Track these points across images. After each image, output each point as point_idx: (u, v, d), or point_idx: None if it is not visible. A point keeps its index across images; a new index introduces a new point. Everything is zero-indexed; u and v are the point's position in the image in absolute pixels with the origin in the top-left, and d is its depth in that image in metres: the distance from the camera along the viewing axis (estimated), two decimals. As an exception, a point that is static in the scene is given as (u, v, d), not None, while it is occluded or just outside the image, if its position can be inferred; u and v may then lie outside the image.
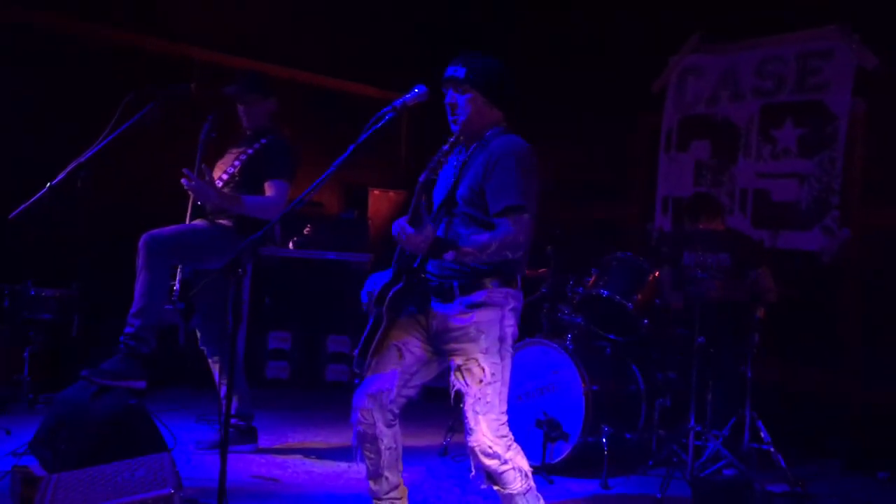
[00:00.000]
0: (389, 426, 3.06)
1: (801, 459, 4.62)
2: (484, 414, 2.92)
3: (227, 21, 6.41)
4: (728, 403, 4.42)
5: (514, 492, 2.98)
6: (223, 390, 4.19)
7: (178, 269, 4.16)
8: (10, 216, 3.93)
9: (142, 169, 5.65)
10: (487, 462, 2.94)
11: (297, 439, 4.89)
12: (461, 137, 3.06)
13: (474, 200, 2.96)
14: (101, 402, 3.56)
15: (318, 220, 6.58)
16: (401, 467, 3.17)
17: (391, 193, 7.12)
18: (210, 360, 4.53)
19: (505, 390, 2.98)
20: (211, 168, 4.27)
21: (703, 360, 4.30)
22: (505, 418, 2.98)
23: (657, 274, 4.64)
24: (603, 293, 4.58)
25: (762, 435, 4.34)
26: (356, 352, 3.08)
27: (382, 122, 2.96)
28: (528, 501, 3.01)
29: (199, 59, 6.26)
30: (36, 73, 5.53)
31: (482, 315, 2.94)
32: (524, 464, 2.99)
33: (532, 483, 3.01)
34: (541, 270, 4.94)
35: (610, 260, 4.70)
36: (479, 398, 2.92)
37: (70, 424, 3.52)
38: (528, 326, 4.88)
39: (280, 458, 4.46)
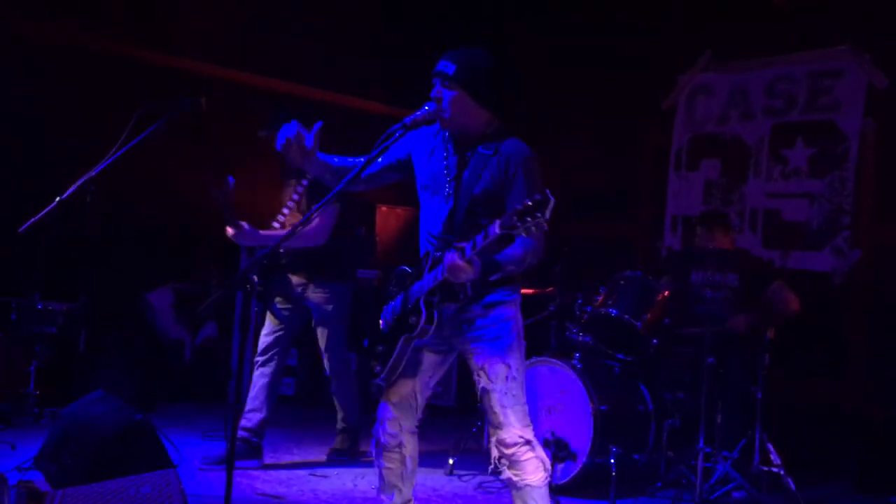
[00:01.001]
0: (413, 433, 3.16)
1: (811, 481, 4.56)
2: (512, 406, 3.00)
3: (234, 36, 6.44)
4: (738, 425, 4.38)
5: (534, 484, 3.02)
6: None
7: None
8: (19, 230, 3.94)
9: (151, 183, 5.66)
10: (515, 450, 3.00)
11: (302, 456, 4.87)
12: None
13: (489, 208, 2.95)
14: (106, 418, 3.54)
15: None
16: (414, 482, 3.21)
17: (399, 210, 7.12)
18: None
19: (524, 380, 3.08)
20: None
21: (712, 380, 4.27)
22: (527, 408, 3.08)
23: (666, 293, 4.61)
24: (612, 312, 4.55)
25: (772, 457, 4.29)
26: (381, 377, 3.11)
27: (392, 139, 2.97)
28: (542, 498, 3.06)
29: (208, 75, 6.29)
30: (45, 87, 5.55)
31: (499, 313, 3.02)
32: (545, 456, 3.08)
33: (548, 479, 3.07)
34: (549, 289, 4.92)
35: (618, 279, 4.68)
36: (506, 393, 3.00)
37: (76, 439, 3.50)
38: (536, 345, 4.87)
39: (285, 474, 4.43)
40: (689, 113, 6.21)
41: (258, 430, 4.51)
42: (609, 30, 6.53)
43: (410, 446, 3.15)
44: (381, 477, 3.17)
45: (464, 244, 2.80)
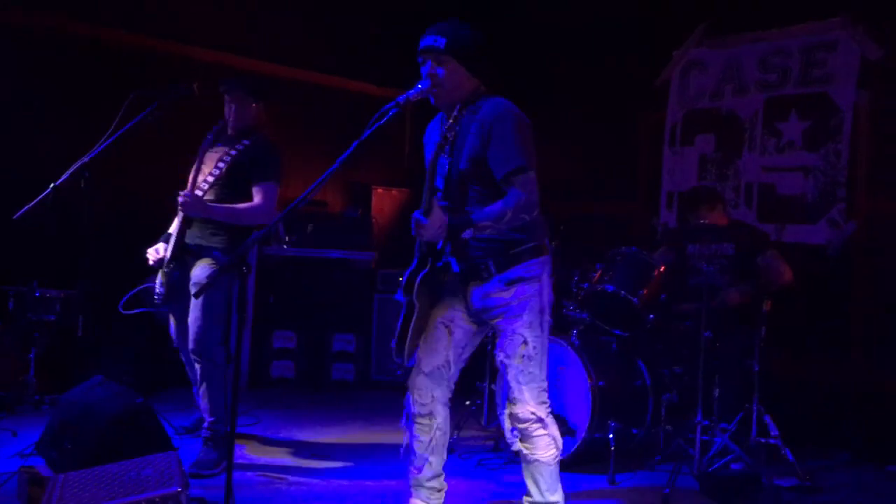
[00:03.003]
0: (445, 405, 3.19)
1: (809, 452, 4.59)
2: (527, 384, 3.04)
3: (227, 20, 6.41)
4: (735, 397, 4.40)
5: (544, 459, 3.08)
6: (200, 390, 4.15)
7: (161, 273, 4.14)
8: (14, 217, 3.94)
9: (145, 168, 5.65)
10: (527, 426, 3.04)
11: (303, 437, 4.89)
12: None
13: (478, 172, 2.98)
14: (106, 402, 3.56)
15: (322, 218, 6.58)
16: (445, 456, 3.25)
17: (395, 191, 7.11)
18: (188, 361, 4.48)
19: (545, 359, 3.10)
20: (198, 162, 4.22)
21: (709, 354, 4.29)
22: (545, 385, 3.10)
23: (662, 269, 4.63)
24: (608, 288, 4.56)
25: (770, 429, 4.32)
26: (393, 343, 3.13)
27: (385, 118, 2.96)
28: (552, 476, 3.12)
29: (201, 59, 6.25)
30: (37, 74, 5.52)
31: (522, 290, 3.03)
32: (558, 435, 3.11)
33: (559, 457, 3.12)
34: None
35: (615, 255, 4.68)
36: (523, 370, 3.03)
37: (76, 424, 3.52)
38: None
39: (286, 456, 4.46)
40: (683, 88, 6.19)
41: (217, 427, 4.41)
42: (601, 5, 6.50)
43: (441, 417, 3.18)
44: (411, 449, 3.21)
45: (429, 196, 2.85)
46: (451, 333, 3.13)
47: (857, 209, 5.24)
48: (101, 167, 4.00)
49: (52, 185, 3.97)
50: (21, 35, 5.54)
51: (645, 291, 4.53)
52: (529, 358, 3.03)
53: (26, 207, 3.96)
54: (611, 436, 4.28)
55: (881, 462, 4.65)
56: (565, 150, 6.26)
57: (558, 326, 4.83)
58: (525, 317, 3.03)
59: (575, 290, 4.78)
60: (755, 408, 4.33)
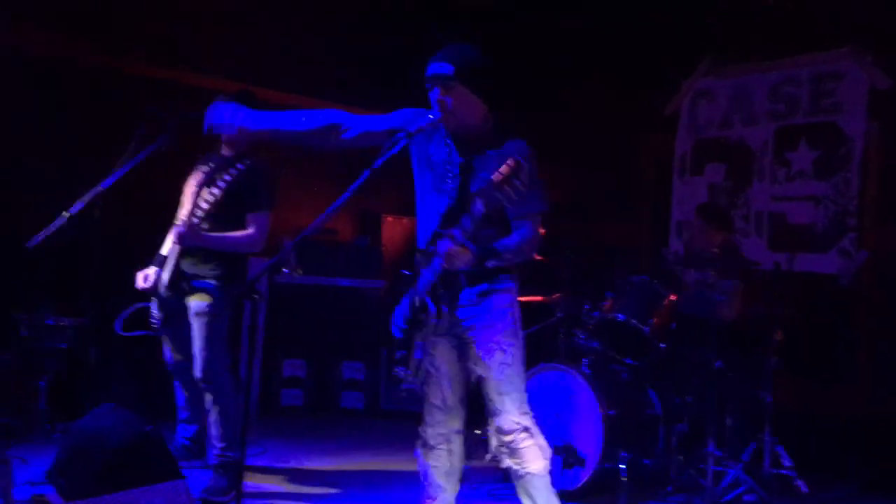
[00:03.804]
0: (459, 433, 3.21)
1: (818, 483, 4.54)
2: (508, 394, 3.03)
3: (248, 50, 6.47)
4: (747, 428, 4.37)
5: (535, 471, 3.06)
6: (210, 418, 4.15)
7: (157, 298, 4.15)
8: (28, 245, 3.97)
9: (157, 197, 5.69)
10: (513, 437, 3.03)
11: (312, 465, 4.87)
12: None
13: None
14: (116, 430, 3.56)
15: (332, 246, 6.60)
16: (458, 486, 3.26)
17: (405, 220, 7.13)
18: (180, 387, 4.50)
19: (523, 369, 3.11)
20: (190, 195, 4.19)
21: (720, 384, 4.26)
22: (525, 395, 3.10)
23: (673, 297, 4.62)
24: (619, 317, 4.55)
25: (783, 460, 4.28)
26: (411, 382, 3.14)
27: (396, 147, 2.98)
28: (546, 488, 3.09)
29: (212, 88, 6.31)
30: (52, 102, 5.58)
31: (495, 301, 3.06)
32: (545, 443, 3.10)
33: (549, 467, 3.10)
34: (555, 295, 4.93)
35: (625, 284, 4.68)
36: (502, 379, 3.03)
37: (86, 452, 3.51)
38: (544, 351, 4.87)
39: (295, 485, 4.44)
40: (692, 118, 6.22)
41: (198, 439, 4.53)
42: (610, 33, 6.54)
43: (457, 444, 3.20)
44: (426, 477, 3.21)
45: (452, 230, 2.83)
46: (437, 368, 3.14)
47: (868, 238, 5.23)
48: (112, 193, 4.03)
49: (66, 213, 4.00)
50: (36, 62, 5.61)
51: (655, 320, 4.52)
52: (507, 366, 3.03)
53: (41, 235, 4.00)
54: (622, 466, 4.24)
55: (890, 493, 4.59)
56: (570, 176, 6.29)
57: (569, 355, 4.82)
58: (499, 325, 3.04)
59: (585, 318, 4.77)
60: (767, 438, 4.29)
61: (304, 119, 3.16)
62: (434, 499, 3.21)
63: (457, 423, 3.19)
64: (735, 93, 5.94)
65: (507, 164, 2.65)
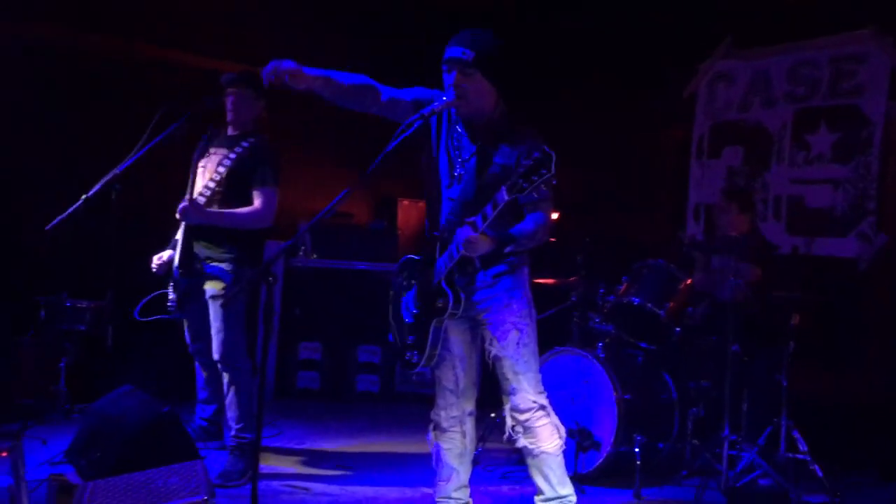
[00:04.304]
0: (471, 415, 3.24)
1: (836, 470, 4.52)
2: (524, 373, 3.06)
3: (262, 35, 6.47)
4: (763, 412, 4.35)
5: (550, 450, 3.09)
6: (228, 399, 4.18)
7: (171, 281, 4.18)
8: (46, 228, 4.01)
9: (173, 181, 5.72)
10: (529, 416, 3.06)
11: (327, 447, 4.90)
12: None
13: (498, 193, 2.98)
14: (134, 411, 3.60)
15: (348, 230, 6.61)
16: (471, 467, 3.30)
17: (420, 203, 7.12)
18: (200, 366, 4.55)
19: (537, 349, 3.14)
20: (193, 170, 4.17)
21: (736, 368, 4.24)
22: (540, 375, 3.14)
23: (689, 281, 4.59)
24: (634, 301, 4.54)
25: (799, 444, 4.26)
26: (422, 366, 3.17)
27: (411, 130, 2.98)
28: (560, 468, 3.12)
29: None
30: (71, 88, 5.62)
31: (508, 282, 3.08)
32: (559, 423, 3.13)
33: (564, 446, 3.13)
34: (570, 279, 4.92)
35: (641, 267, 4.66)
36: (519, 358, 3.06)
37: (104, 433, 3.57)
38: (559, 335, 4.87)
39: (310, 466, 4.47)
40: (710, 100, 6.16)
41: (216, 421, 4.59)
42: (626, 18, 6.49)
43: (469, 426, 3.24)
44: (439, 460, 3.25)
45: (474, 218, 2.86)
46: (450, 350, 3.17)
47: (888, 222, 5.17)
48: (129, 177, 4.06)
49: (83, 196, 4.04)
50: (55, 50, 5.65)
51: (671, 304, 4.50)
52: (523, 345, 3.06)
53: (58, 219, 4.04)
54: (636, 449, 4.24)
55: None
56: (588, 161, 6.25)
57: (584, 339, 4.81)
58: (514, 306, 3.07)
59: (601, 302, 4.76)
60: (784, 423, 4.27)
61: (346, 76, 3.15)
62: (447, 481, 3.24)
63: (469, 405, 3.22)
64: (754, 75, 5.88)
65: (535, 157, 2.66)
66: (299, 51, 6.66)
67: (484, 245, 2.90)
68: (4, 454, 2.41)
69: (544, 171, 2.65)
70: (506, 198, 2.74)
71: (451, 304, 2.99)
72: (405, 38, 6.60)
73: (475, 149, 3.07)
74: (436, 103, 3.01)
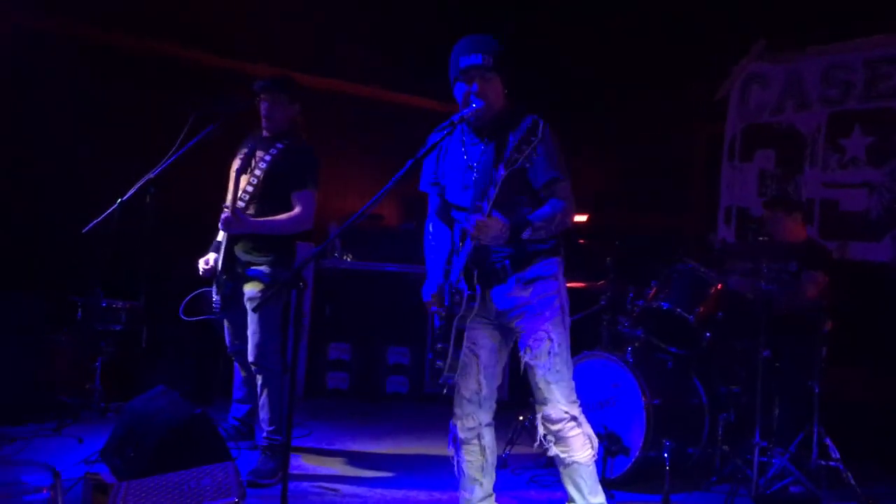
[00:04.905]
0: (490, 426, 3.21)
1: (869, 477, 4.47)
2: (556, 382, 3.03)
3: (293, 38, 6.53)
4: (795, 419, 4.31)
5: (582, 461, 3.06)
6: (261, 400, 4.24)
7: (215, 284, 4.24)
8: (83, 230, 4.09)
9: (208, 183, 5.79)
10: (561, 426, 3.03)
11: (356, 448, 4.94)
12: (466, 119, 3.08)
13: (516, 181, 2.96)
14: (167, 412, 3.65)
15: (379, 232, 6.65)
16: (494, 476, 3.27)
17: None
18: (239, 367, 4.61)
19: (570, 357, 3.09)
20: (235, 179, 4.20)
21: (768, 373, 4.21)
22: (573, 384, 3.10)
23: (720, 286, 4.56)
24: (664, 305, 4.51)
25: (831, 451, 4.22)
26: (447, 375, 3.12)
27: (443, 133, 3.02)
28: (591, 477, 3.09)
29: (260, 76, 6.39)
30: (107, 91, 5.71)
31: (541, 287, 3.05)
32: (592, 433, 3.10)
33: (595, 456, 3.10)
34: (600, 283, 4.90)
35: (671, 272, 4.64)
36: (550, 368, 3.02)
37: (139, 433, 3.62)
38: (588, 339, 4.86)
39: (340, 466, 4.51)
40: (743, 103, 6.11)
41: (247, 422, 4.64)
42: (658, 21, 6.46)
43: (488, 437, 3.20)
44: (461, 471, 3.22)
45: (479, 202, 2.86)
46: (477, 357, 3.13)
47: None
48: (162, 179, 4.12)
49: (119, 199, 4.11)
50: (92, 52, 5.74)
51: (701, 309, 4.47)
52: (556, 355, 3.01)
53: (95, 221, 4.12)
54: (665, 455, 4.22)
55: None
56: (618, 163, 6.23)
57: (613, 343, 4.80)
58: (547, 314, 3.03)
59: (630, 306, 4.74)
60: (816, 429, 4.22)
61: (441, 250, 3.25)
62: (471, 493, 3.21)
63: (487, 416, 3.17)
64: (788, 78, 5.83)
65: (523, 127, 2.71)
66: (323, 52, 6.70)
67: (495, 229, 2.84)
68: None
69: (533, 138, 2.67)
70: (503, 173, 2.75)
71: (465, 299, 2.96)
72: (433, 27, 6.61)
73: (484, 146, 3.08)
74: (465, 110, 3.02)
